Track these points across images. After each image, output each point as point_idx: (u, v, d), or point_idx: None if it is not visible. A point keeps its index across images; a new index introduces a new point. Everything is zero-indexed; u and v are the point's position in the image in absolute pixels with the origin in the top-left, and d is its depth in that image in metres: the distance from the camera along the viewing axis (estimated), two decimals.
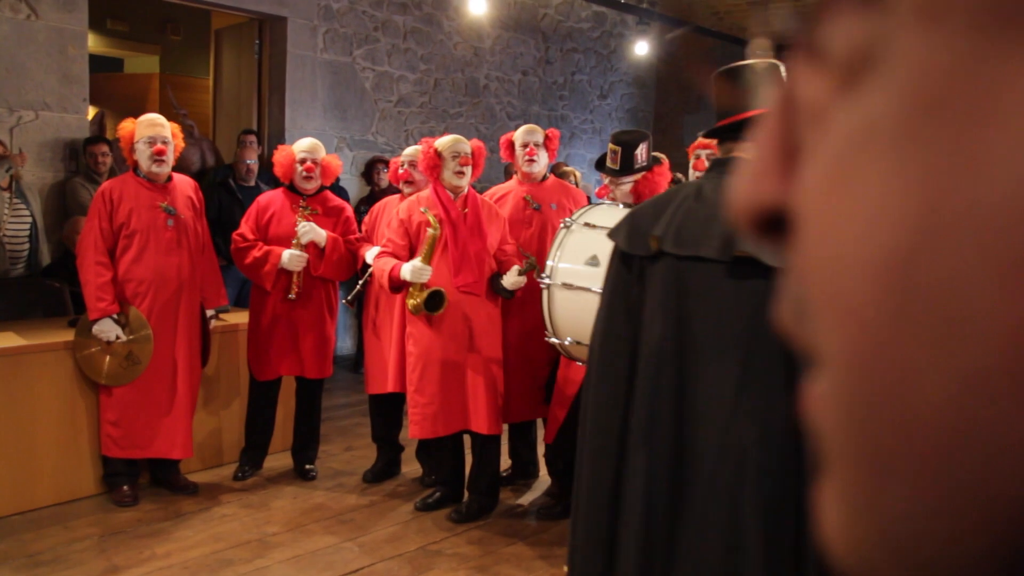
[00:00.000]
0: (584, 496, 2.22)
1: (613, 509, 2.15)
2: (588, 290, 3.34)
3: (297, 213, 4.61)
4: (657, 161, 4.06)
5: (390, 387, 4.55)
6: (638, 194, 3.93)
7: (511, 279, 4.16)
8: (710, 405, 2.03)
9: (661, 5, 10.54)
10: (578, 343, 3.46)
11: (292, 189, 4.69)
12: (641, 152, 3.95)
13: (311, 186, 4.66)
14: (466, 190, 4.27)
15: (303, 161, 4.60)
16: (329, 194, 4.79)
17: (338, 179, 6.92)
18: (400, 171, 4.61)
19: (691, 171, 4.29)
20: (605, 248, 3.39)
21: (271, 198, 4.72)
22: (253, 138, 6.80)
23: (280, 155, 4.66)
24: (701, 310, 2.07)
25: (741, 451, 1.99)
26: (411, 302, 4.13)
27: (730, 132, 2.28)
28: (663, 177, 4.02)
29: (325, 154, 4.71)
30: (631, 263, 2.21)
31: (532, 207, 4.61)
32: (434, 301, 4.11)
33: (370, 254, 4.54)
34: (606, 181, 4.05)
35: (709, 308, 2.07)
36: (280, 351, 4.69)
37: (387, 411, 4.82)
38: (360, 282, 4.62)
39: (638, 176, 3.96)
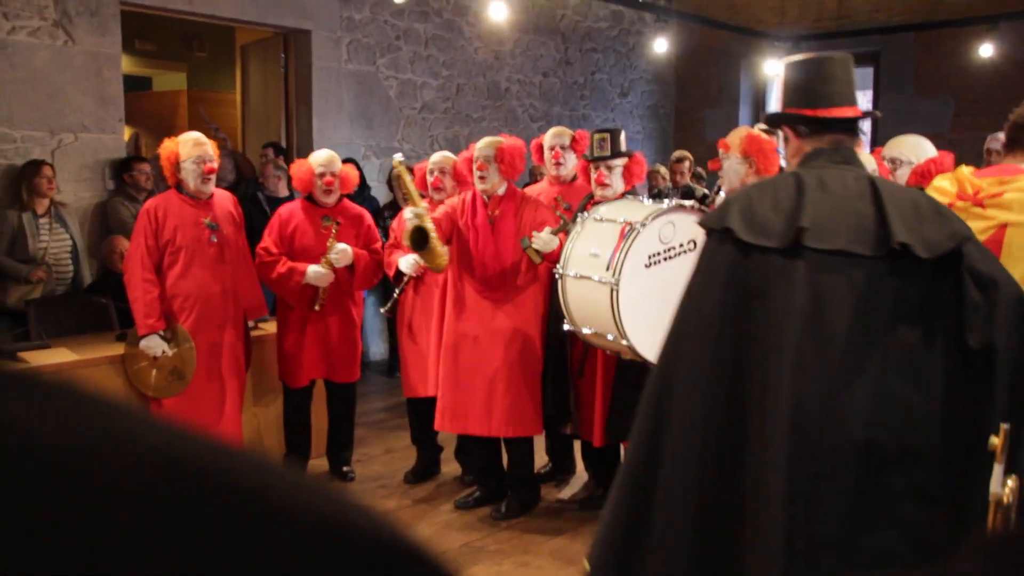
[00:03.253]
0: (673, 496, 2.06)
1: (721, 503, 2.02)
2: (590, 279, 3.49)
3: (319, 226, 4.68)
4: (632, 152, 4.38)
5: (431, 391, 4.65)
6: (628, 178, 4.28)
7: (543, 237, 4.06)
8: (848, 408, 1.94)
9: (678, 1, 10.60)
10: (595, 332, 3.59)
11: (311, 200, 4.79)
12: (623, 139, 4.28)
13: (331, 199, 4.75)
14: (500, 191, 4.34)
15: (322, 175, 4.68)
16: (348, 203, 4.88)
17: (360, 187, 7.08)
18: (430, 178, 4.71)
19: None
20: (609, 240, 3.51)
21: (292, 210, 4.81)
22: (270, 151, 6.97)
23: (298, 169, 4.75)
24: (837, 308, 1.97)
25: (882, 456, 1.92)
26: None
27: (823, 125, 2.20)
28: (641, 165, 4.35)
29: (341, 165, 4.82)
30: (748, 253, 2.06)
31: (563, 207, 4.71)
32: (417, 237, 4.07)
33: (403, 262, 4.64)
34: (599, 169, 4.24)
35: (846, 306, 1.97)
36: (311, 358, 4.78)
37: (425, 412, 4.92)
38: (396, 291, 4.72)
39: (626, 159, 4.26)
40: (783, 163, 3.69)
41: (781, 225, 2.02)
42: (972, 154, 7.61)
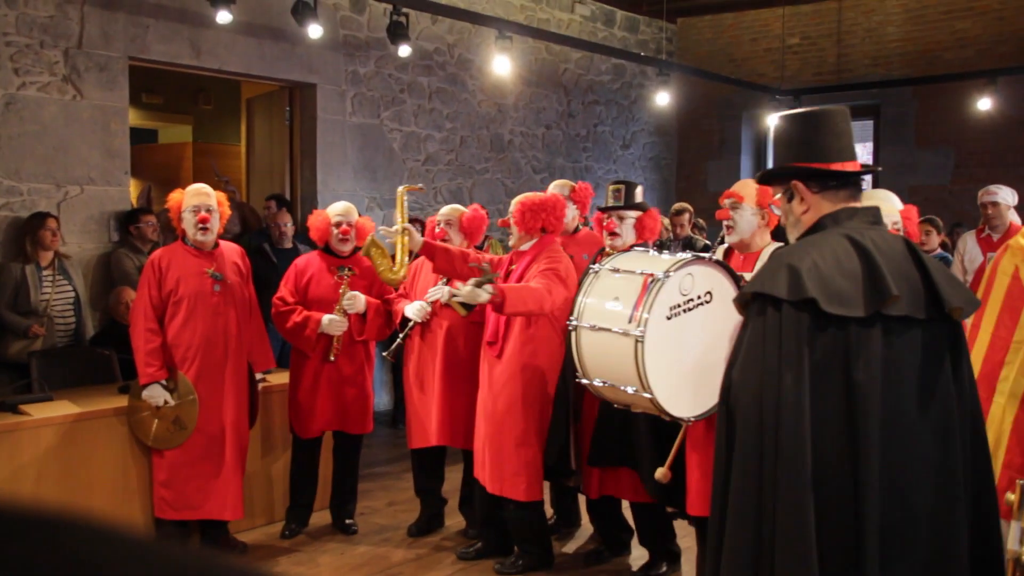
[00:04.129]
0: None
1: None
2: (609, 330, 3.43)
3: (334, 275, 4.73)
4: (647, 206, 4.39)
5: (434, 440, 4.62)
6: (640, 231, 4.28)
7: (463, 290, 3.86)
8: (921, 474, 1.96)
9: (679, 55, 10.73)
10: (610, 385, 3.52)
11: (327, 251, 4.83)
12: (639, 192, 4.31)
13: (347, 248, 4.79)
14: (523, 247, 4.30)
15: (339, 224, 4.75)
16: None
17: None
18: (437, 230, 4.73)
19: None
20: (630, 291, 3.48)
21: (308, 261, 4.87)
22: (273, 203, 7.02)
23: (315, 219, 4.81)
24: (904, 375, 1.99)
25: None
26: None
27: (839, 179, 2.16)
28: (656, 220, 4.35)
29: (358, 216, 4.86)
30: (826, 325, 1.98)
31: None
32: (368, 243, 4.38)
33: (409, 309, 4.64)
34: (610, 219, 4.26)
35: (911, 372, 1.99)
36: (323, 408, 4.78)
37: (430, 464, 4.89)
38: (400, 336, 4.72)
39: (640, 213, 4.28)
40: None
41: (859, 293, 1.96)
42: (972, 206, 7.64)
